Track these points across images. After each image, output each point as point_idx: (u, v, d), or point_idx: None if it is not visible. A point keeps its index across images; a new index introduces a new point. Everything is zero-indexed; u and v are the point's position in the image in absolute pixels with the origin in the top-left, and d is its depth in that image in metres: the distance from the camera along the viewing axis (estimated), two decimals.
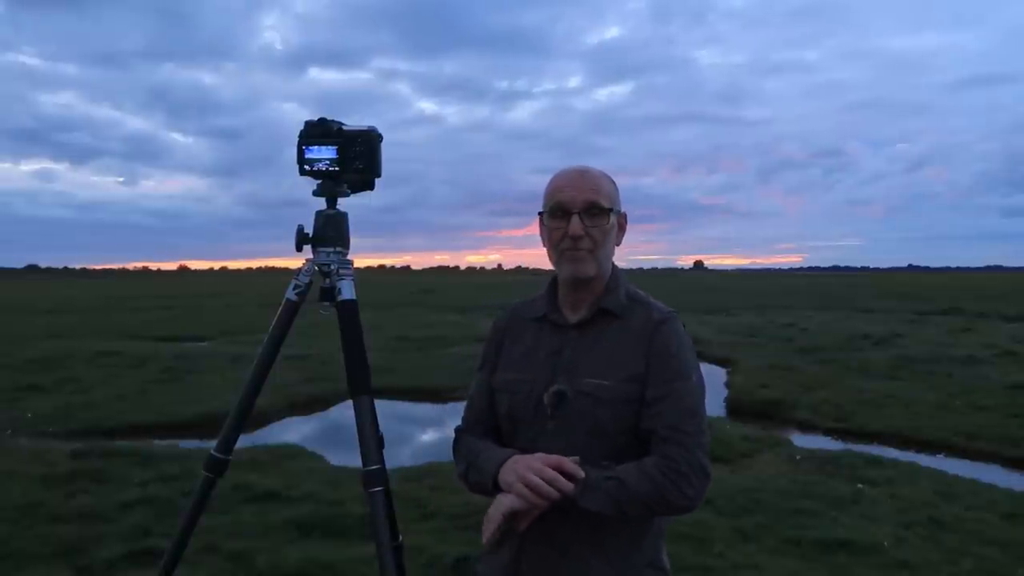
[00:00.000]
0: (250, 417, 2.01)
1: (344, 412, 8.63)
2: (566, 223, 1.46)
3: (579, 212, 1.46)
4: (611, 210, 1.49)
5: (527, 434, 1.49)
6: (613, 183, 1.53)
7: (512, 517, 1.37)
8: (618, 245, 1.55)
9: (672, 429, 1.36)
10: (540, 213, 1.54)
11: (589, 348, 1.48)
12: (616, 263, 1.57)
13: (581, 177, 1.49)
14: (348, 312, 1.90)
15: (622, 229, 1.56)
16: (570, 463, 1.35)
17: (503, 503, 1.37)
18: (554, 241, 1.49)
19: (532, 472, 1.33)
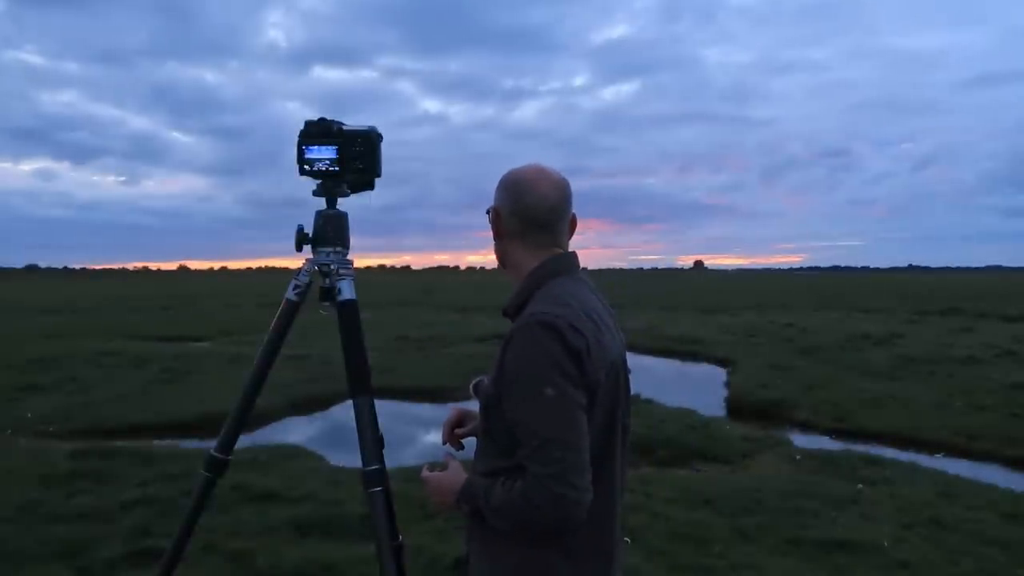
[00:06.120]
0: (250, 417, 2.01)
1: (344, 412, 8.62)
2: None
3: None
4: (489, 212, 1.55)
5: None
6: (502, 181, 1.54)
7: None
8: (508, 237, 1.53)
9: (528, 460, 1.30)
10: None
11: None
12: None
13: None
14: (348, 312, 1.90)
15: (494, 221, 1.55)
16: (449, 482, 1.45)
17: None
18: None
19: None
